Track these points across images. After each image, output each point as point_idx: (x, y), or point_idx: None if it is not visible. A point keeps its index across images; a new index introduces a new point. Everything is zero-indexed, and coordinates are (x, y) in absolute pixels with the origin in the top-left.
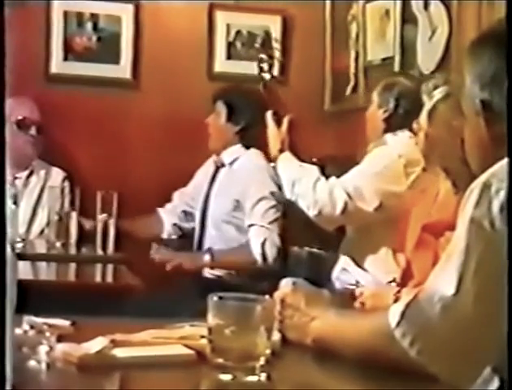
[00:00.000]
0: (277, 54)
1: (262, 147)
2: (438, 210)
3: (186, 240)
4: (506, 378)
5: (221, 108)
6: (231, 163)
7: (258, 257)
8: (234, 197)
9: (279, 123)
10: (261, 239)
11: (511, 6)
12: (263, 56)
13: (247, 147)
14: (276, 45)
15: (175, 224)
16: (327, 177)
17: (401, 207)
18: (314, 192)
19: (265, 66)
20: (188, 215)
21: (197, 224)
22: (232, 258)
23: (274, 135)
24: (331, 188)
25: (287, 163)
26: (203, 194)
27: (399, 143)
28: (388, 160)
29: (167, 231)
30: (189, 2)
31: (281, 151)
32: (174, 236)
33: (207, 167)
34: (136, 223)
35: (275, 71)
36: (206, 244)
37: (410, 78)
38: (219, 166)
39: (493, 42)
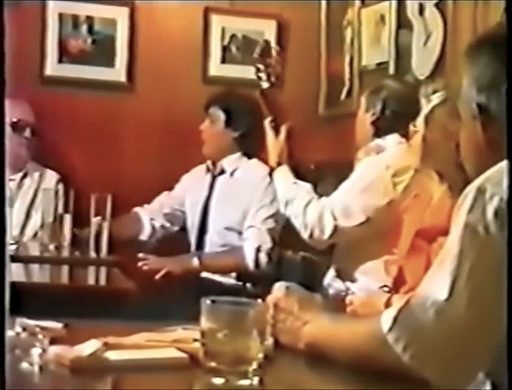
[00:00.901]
0: (275, 62)
1: (262, 154)
2: (431, 215)
3: (171, 243)
4: (500, 382)
5: (218, 114)
6: (232, 173)
7: (251, 263)
8: (241, 208)
9: (277, 130)
10: (256, 244)
11: (510, 9)
12: (261, 66)
13: (247, 155)
14: (275, 54)
15: (162, 226)
16: (318, 194)
17: (391, 218)
18: (304, 215)
19: (263, 75)
20: (173, 218)
21: (194, 230)
22: (221, 262)
23: (272, 145)
24: (321, 211)
25: (282, 179)
26: (201, 202)
27: (388, 151)
28: (375, 173)
29: (148, 232)
30: (185, 4)
31: (279, 164)
32: (153, 239)
33: (199, 174)
34: (114, 223)
35: (273, 80)
36: (207, 249)
37: (397, 81)
38: (215, 175)
39: (491, 46)
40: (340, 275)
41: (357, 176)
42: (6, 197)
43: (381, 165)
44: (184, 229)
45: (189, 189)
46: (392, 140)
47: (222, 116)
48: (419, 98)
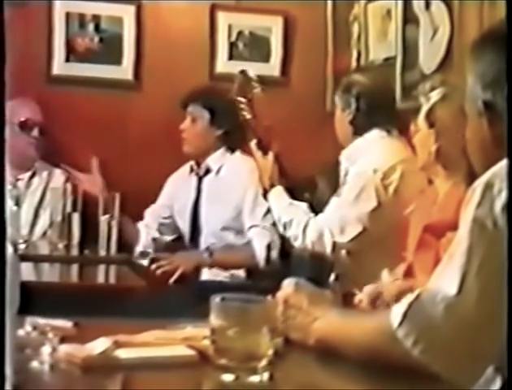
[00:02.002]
0: (256, 91)
1: (246, 147)
2: (439, 210)
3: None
4: (508, 377)
5: (201, 113)
6: (218, 171)
7: (262, 261)
8: (234, 204)
9: (265, 152)
10: (265, 242)
11: (511, 7)
12: (241, 99)
13: (231, 149)
14: (254, 83)
15: (154, 239)
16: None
17: (388, 221)
18: (303, 237)
19: (244, 107)
20: (162, 228)
21: (186, 233)
22: (231, 257)
23: (263, 167)
24: (320, 231)
25: (277, 201)
26: (190, 205)
27: (371, 151)
28: (363, 181)
29: (143, 244)
30: (191, 2)
31: (272, 185)
32: (150, 249)
33: (183, 176)
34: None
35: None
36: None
37: (367, 75)
38: (201, 176)
39: (496, 42)
40: (341, 282)
41: (347, 189)
42: (5, 196)
43: (368, 170)
44: (179, 238)
45: (175, 194)
46: (373, 136)
47: (206, 115)
48: (412, 93)
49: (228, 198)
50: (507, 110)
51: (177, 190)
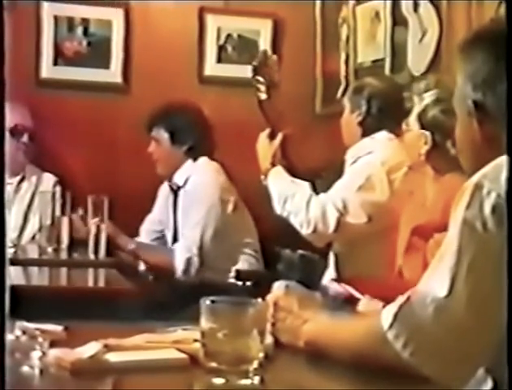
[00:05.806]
0: (273, 73)
1: (213, 155)
2: (427, 212)
3: None
4: (501, 379)
5: (161, 135)
6: (184, 185)
7: (179, 271)
8: (195, 219)
9: (273, 137)
10: (187, 255)
11: (511, 7)
12: (260, 78)
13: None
14: (273, 64)
15: None
16: (316, 191)
17: (390, 216)
18: (307, 210)
19: (261, 87)
20: (161, 240)
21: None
22: (154, 258)
23: (265, 148)
24: (324, 205)
25: (278, 178)
26: (171, 220)
27: (379, 148)
28: (370, 170)
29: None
30: (179, 4)
31: (273, 165)
32: None
33: (165, 192)
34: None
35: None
36: None
37: (378, 78)
38: (176, 190)
39: (485, 42)
40: (337, 279)
41: (353, 174)
42: (5, 200)
43: (376, 162)
44: None
45: (162, 208)
46: (381, 137)
47: (166, 136)
48: (404, 94)
49: (192, 213)
50: (507, 110)
51: (162, 206)
